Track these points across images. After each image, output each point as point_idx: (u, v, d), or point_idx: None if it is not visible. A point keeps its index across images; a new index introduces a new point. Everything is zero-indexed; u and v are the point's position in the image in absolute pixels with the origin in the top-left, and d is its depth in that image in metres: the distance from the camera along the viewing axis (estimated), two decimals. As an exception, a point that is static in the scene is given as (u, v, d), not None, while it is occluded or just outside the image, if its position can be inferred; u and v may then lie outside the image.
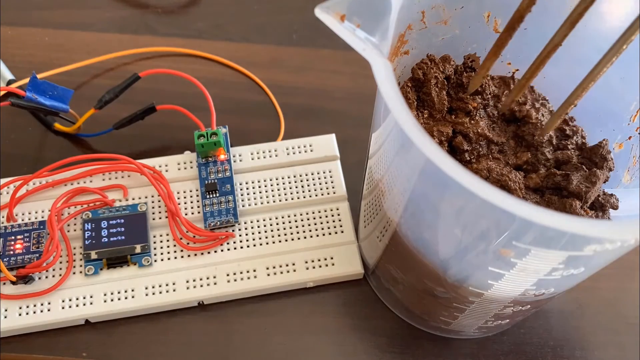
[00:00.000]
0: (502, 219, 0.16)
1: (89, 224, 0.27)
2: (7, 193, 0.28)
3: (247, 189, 0.30)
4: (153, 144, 0.32)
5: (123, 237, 0.27)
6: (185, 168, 0.30)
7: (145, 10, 0.37)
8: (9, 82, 0.32)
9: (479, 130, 0.23)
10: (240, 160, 0.30)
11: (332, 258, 0.28)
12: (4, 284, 0.26)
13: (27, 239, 0.27)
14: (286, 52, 0.36)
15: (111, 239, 0.27)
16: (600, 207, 0.23)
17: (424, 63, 0.24)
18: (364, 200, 0.26)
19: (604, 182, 0.23)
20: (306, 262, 0.28)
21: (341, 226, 0.29)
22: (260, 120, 0.33)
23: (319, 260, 0.28)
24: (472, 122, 0.23)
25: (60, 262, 0.27)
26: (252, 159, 0.30)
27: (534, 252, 0.17)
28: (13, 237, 0.27)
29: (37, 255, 0.27)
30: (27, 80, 0.29)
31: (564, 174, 0.22)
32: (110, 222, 0.28)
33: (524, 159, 0.23)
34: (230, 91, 0.34)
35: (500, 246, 0.18)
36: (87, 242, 0.27)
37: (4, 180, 0.29)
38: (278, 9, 0.38)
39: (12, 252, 0.27)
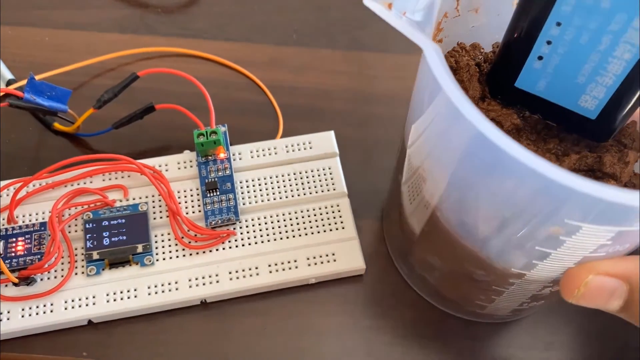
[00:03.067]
0: (559, 196, 0.16)
1: (90, 224, 0.27)
2: (7, 195, 0.28)
3: (247, 187, 0.30)
4: (152, 144, 0.32)
5: (124, 237, 0.27)
6: (185, 167, 0.30)
7: (145, 10, 0.37)
8: (9, 82, 0.32)
9: (512, 120, 0.23)
10: (240, 159, 0.30)
11: (333, 254, 0.28)
12: (5, 285, 0.27)
13: (29, 241, 0.27)
14: (286, 52, 0.36)
15: (112, 239, 0.27)
16: (633, 188, 0.23)
17: (456, 51, 0.25)
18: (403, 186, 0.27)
19: (635, 162, 0.23)
20: (308, 259, 0.28)
21: (342, 222, 0.29)
22: (259, 120, 0.33)
23: (321, 256, 0.28)
24: (505, 110, 0.23)
25: (62, 263, 0.27)
26: (252, 157, 0.30)
27: (585, 228, 0.17)
28: (14, 239, 0.27)
29: (39, 256, 0.27)
30: (26, 80, 0.29)
31: (596, 156, 0.22)
32: (112, 222, 0.28)
33: (555, 144, 0.23)
34: (229, 91, 0.34)
35: (551, 224, 0.18)
36: (88, 243, 0.27)
37: (3, 183, 0.29)
38: (278, 9, 0.38)
39: (13, 254, 0.27)
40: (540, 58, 0.20)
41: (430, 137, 0.21)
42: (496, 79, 0.23)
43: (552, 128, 0.23)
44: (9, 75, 0.32)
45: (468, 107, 0.16)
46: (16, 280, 0.26)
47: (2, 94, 0.27)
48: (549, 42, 0.20)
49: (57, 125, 0.31)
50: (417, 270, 0.27)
